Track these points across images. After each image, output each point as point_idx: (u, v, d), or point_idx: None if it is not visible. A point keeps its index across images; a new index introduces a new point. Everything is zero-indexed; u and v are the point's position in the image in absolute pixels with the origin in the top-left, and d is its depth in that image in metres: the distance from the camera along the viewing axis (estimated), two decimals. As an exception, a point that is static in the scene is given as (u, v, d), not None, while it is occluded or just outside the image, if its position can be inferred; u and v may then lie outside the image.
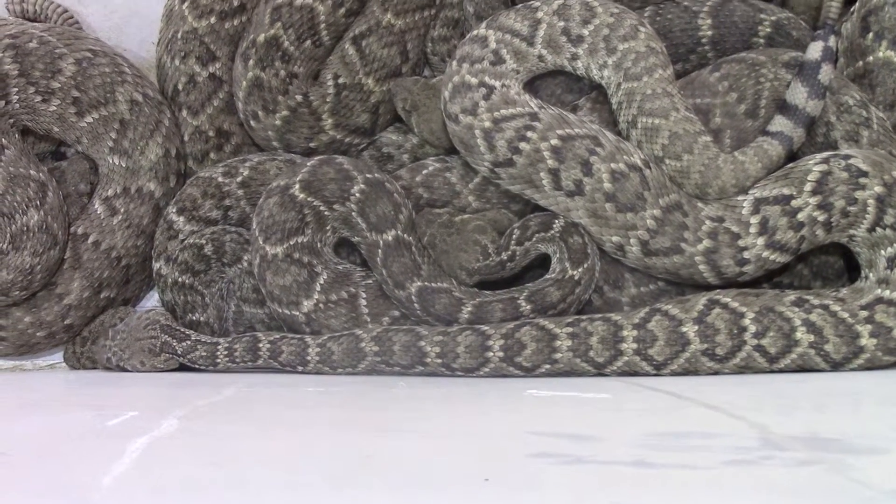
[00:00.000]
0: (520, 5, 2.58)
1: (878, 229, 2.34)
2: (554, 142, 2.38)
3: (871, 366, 2.31)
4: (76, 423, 2.08)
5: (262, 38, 2.73)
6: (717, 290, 2.43)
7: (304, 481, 1.62)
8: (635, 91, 2.46)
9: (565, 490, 1.53)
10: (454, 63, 2.51)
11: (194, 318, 2.74)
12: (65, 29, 2.79)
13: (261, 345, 2.50)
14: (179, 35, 2.78)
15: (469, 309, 2.48)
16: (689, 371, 2.34)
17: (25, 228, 2.60)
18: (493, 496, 1.53)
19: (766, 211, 2.36)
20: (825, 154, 2.37)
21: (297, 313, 2.55)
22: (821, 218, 2.34)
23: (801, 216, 2.34)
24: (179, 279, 2.73)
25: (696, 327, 2.32)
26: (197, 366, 2.55)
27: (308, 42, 2.78)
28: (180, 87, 2.81)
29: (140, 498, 1.57)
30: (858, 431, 1.81)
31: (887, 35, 2.47)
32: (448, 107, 2.48)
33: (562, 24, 2.51)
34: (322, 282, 2.56)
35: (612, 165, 2.37)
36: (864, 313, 2.32)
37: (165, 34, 2.85)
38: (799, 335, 2.30)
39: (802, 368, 2.32)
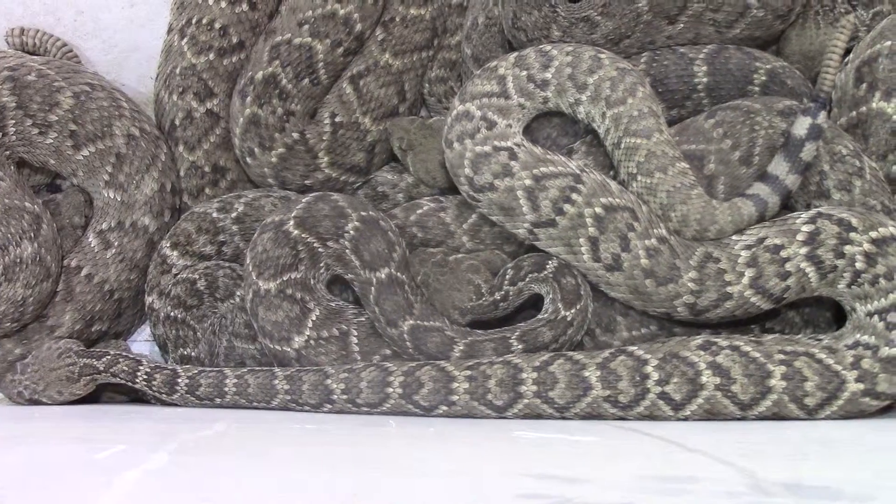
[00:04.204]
0: (479, 70, 2.64)
1: (876, 318, 2.37)
2: (598, 210, 2.41)
3: (776, 410, 2.30)
4: (65, 456, 2.07)
5: (260, 75, 2.75)
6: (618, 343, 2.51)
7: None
8: (622, 114, 2.51)
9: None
10: (455, 145, 2.53)
11: (185, 352, 2.75)
12: (64, 62, 2.81)
13: (179, 380, 2.51)
14: (178, 71, 2.81)
15: (461, 348, 2.49)
16: (593, 416, 2.34)
17: (19, 260, 2.61)
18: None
19: (822, 224, 2.37)
20: None
21: (288, 349, 2.56)
22: (860, 265, 2.34)
23: (847, 249, 2.34)
24: (172, 314, 2.74)
25: (599, 373, 2.33)
26: (119, 380, 2.55)
27: (306, 80, 2.80)
28: (177, 122, 2.83)
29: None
30: (845, 479, 1.80)
31: (881, 86, 2.50)
32: (476, 180, 2.49)
33: (524, 73, 2.58)
34: (314, 318, 2.57)
35: (647, 242, 2.40)
36: (782, 356, 2.32)
37: (164, 69, 2.88)
38: (704, 378, 2.30)
39: (709, 413, 2.31)
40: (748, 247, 2.41)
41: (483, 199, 2.51)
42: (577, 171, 2.45)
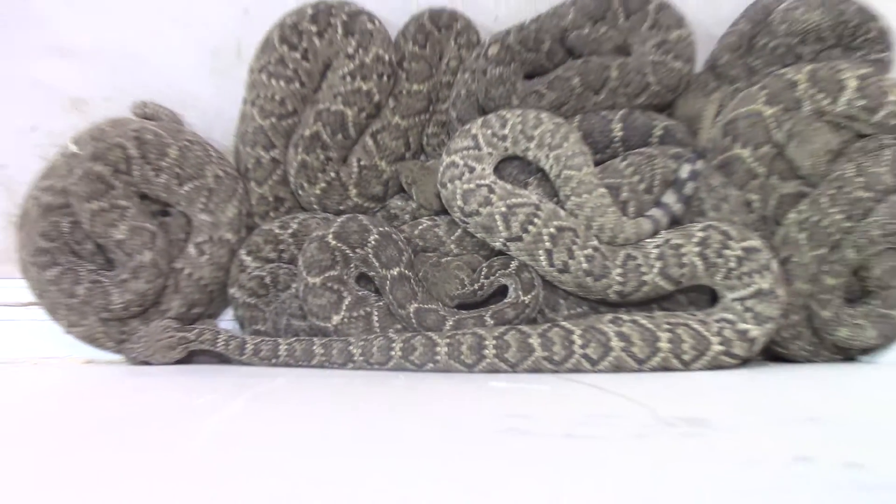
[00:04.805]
0: (459, 130, 2.67)
1: (737, 303, 2.40)
2: (552, 230, 2.45)
3: (664, 364, 2.33)
4: (174, 402, 2.10)
5: (307, 132, 2.77)
6: (559, 319, 2.52)
7: (331, 447, 1.64)
8: (561, 155, 2.53)
9: (519, 454, 1.55)
10: (448, 185, 2.56)
11: (257, 328, 2.75)
12: (171, 125, 2.83)
13: (247, 346, 2.54)
14: (250, 130, 2.82)
15: (450, 323, 2.50)
16: (536, 370, 2.36)
17: (141, 264, 2.63)
18: (467, 458, 1.55)
19: (710, 232, 2.41)
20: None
21: (329, 325, 2.57)
22: (733, 263, 2.38)
23: (725, 252, 2.38)
24: (247, 300, 2.75)
25: (539, 339, 2.35)
26: (205, 346, 2.59)
27: (340, 135, 2.81)
28: (250, 166, 2.84)
29: (218, 452, 1.60)
30: (715, 412, 1.84)
31: (740, 139, 2.52)
32: (466, 208, 2.52)
33: (488, 131, 2.60)
34: (347, 303, 2.58)
35: (585, 251, 2.43)
36: (668, 326, 2.36)
37: (240, 129, 2.88)
38: (613, 343, 2.33)
39: (616, 367, 2.34)
40: (658, 246, 2.44)
41: (471, 221, 2.54)
42: (538, 202, 2.48)
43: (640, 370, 2.34)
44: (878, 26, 2.63)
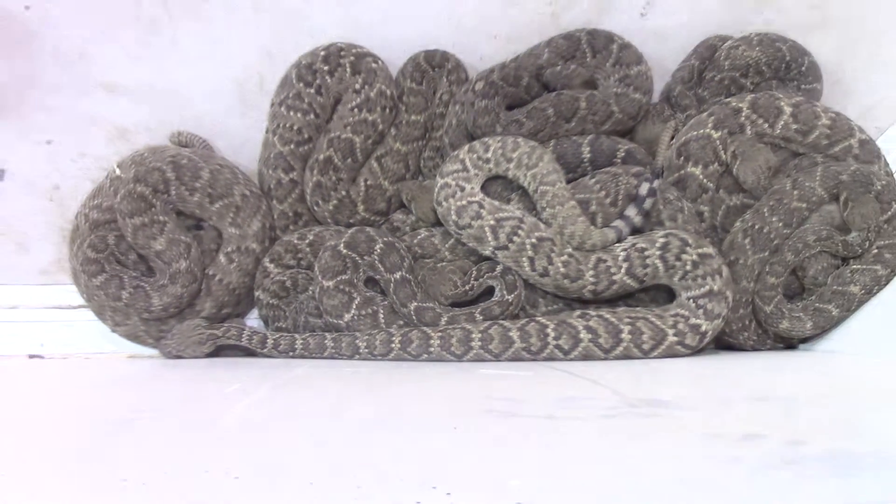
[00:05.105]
0: (450, 155, 2.67)
1: (691, 301, 2.38)
2: (533, 240, 2.44)
3: (626, 353, 2.32)
4: (206, 390, 2.10)
5: (321, 157, 2.76)
6: (537, 315, 2.51)
7: (342, 427, 1.64)
8: (537, 173, 2.51)
9: (504, 433, 1.54)
10: (443, 203, 2.56)
11: (279, 325, 2.74)
12: (203, 151, 2.82)
13: (268, 340, 2.53)
14: (272, 155, 2.81)
15: (445, 319, 2.49)
16: (516, 360, 2.35)
17: (178, 271, 2.62)
18: (460, 436, 1.54)
19: (671, 238, 2.39)
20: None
21: (341, 322, 2.56)
22: (689, 267, 2.36)
23: (683, 256, 2.36)
24: (270, 301, 2.74)
25: (518, 332, 2.34)
26: (231, 341, 2.57)
27: (349, 159, 2.80)
28: (272, 186, 2.82)
29: (245, 434, 1.59)
30: (675, 394, 1.83)
31: (692, 158, 2.52)
32: (460, 222, 2.52)
33: (474, 155, 2.60)
34: (357, 303, 2.57)
35: (562, 258, 2.42)
36: (629, 320, 2.34)
37: (263, 154, 2.88)
38: (582, 335, 2.32)
39: (585, 356, 2.33)
40: (625, 249, 2.42)
41: (464, 233, 2.54)
42: (521, 216, 2.48)
43: (605, 358, 2.33)
44: (809, 61, 2.65)
